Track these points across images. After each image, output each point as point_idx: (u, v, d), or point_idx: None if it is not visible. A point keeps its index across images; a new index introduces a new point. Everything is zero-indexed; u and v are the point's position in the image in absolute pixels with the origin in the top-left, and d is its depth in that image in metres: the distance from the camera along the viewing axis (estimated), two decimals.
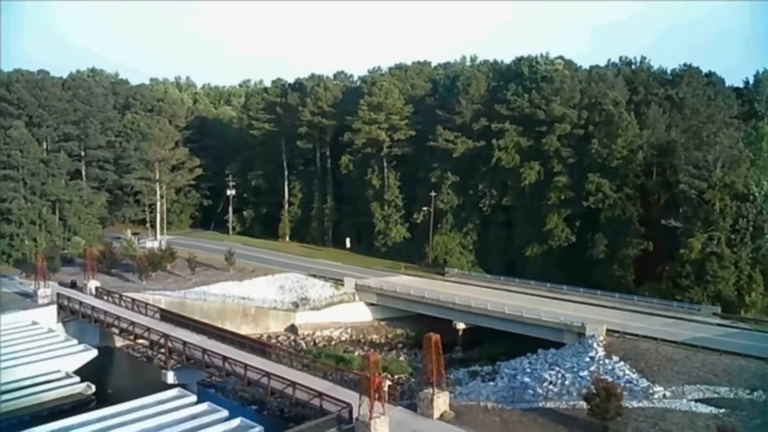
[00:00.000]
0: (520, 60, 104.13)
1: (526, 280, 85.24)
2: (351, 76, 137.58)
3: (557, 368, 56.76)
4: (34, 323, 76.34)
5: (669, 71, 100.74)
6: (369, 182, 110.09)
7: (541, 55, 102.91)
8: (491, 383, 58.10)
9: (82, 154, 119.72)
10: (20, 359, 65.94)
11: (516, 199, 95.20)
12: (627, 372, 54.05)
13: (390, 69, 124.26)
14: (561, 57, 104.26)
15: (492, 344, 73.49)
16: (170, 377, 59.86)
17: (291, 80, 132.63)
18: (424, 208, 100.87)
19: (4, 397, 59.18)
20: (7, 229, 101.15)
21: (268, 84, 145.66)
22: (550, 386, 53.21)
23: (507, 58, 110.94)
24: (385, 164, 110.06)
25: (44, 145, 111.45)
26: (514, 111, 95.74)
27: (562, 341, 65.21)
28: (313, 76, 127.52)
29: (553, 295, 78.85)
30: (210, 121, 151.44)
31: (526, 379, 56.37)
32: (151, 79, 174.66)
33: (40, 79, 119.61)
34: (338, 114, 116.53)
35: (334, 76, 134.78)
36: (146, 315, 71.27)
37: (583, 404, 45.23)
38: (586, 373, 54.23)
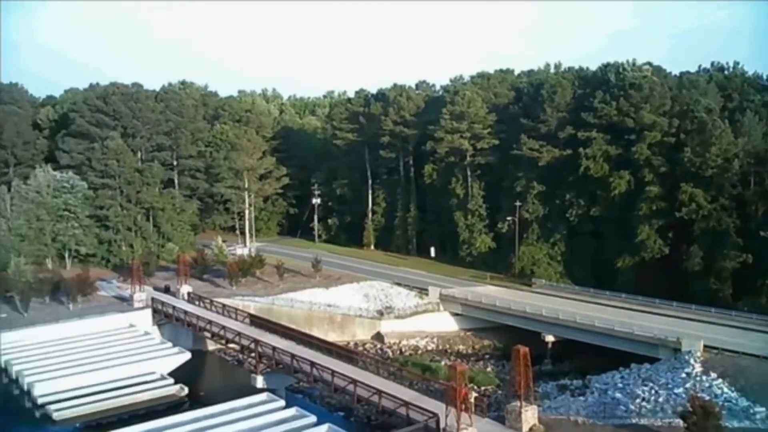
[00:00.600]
0: (606, 67, 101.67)
1: (617, 293, 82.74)
2: (433, 85, 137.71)
3: (651, 384, 55.03)
4: (131, 326, 79.55)
5: (766, 77, 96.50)
6: (452, 191, 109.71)
7: (628, 62, 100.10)
8: (581, 398, 56.79)
9: (175, 163, 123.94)
10: (118, 360, 68.91)
11: (605, 209, 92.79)
12: (725, 390, 51.89)
13: (472, 78, 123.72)
14: (649, 63, 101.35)
15: (582, 358, 71.60)
16: (260, 381, 61.19)
17: (374, 90, 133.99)
18: (509, 218, 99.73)
19: (104, 395, 61.90)
20: (106, 235, 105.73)
21: (351, 94, 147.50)
22: (643, 403, 51.67)
23: (591, 65, 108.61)
24: (468, 173, 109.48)
25: (139, 155, 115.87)
26: (602, 119, 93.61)
27: (656, 356, 63.08)
28: (395, 86, 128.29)
29: (645, 309, 76.11)
30: (295, 131, 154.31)
31: (618, 395, 54.86)
32: (239, 91, 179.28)
33: (135, 92, 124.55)
34: (421, 123, 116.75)
35: (416, 85, 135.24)
36: (236, 320, 73.07)
37: (679, 422, 43.63)
38: (681, 390, 52.40)
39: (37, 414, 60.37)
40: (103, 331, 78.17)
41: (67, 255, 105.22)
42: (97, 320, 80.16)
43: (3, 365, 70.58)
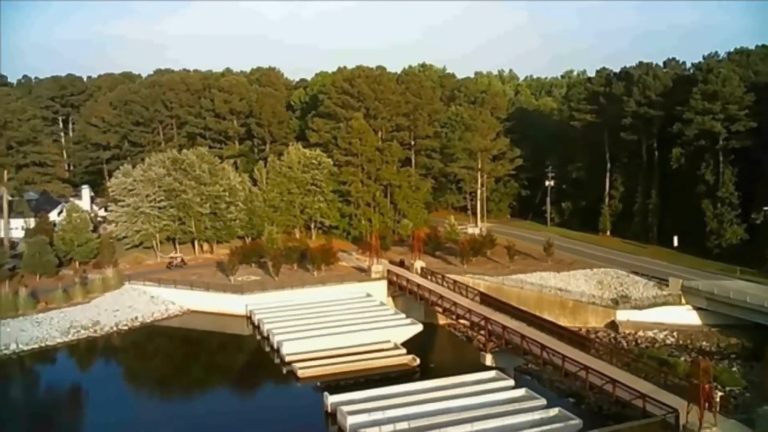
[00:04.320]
0: None
1: None
2: (683, 63, 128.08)
3: None
4: (368, 296, 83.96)
5: None
6: (700, 177, 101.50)
7: None
8: None
9: (412, 143, 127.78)
10: (356, 326, 73.01)
11: None
12: None
13: (729, 54, 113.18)
14: None
15: None
16: (488, 359, 61.50)
17: (616, 69, 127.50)
18: (766, 208, 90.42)
19: (343, 358, 65.98)
20: (347, 209, 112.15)
21: (591, 74, 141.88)
22: None
23: None
24: (720, 158, 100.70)
25: (379, 135, 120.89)
26: None
27: None
28: (640, 64, 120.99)
29: None
30: (530, 112, 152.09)
31: None
32: (476, 73, 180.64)
33: (378, 75, 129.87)
34: (667, 104, 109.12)
35: (664, 63, 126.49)
36: (467, 297, 74.08)
37: None
38: None
39: (284, 370, 66.00)
40: (343, 298, 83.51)
41: (312, 226, 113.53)
42: (338, 288, 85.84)
43: (257, 323, 78.10)
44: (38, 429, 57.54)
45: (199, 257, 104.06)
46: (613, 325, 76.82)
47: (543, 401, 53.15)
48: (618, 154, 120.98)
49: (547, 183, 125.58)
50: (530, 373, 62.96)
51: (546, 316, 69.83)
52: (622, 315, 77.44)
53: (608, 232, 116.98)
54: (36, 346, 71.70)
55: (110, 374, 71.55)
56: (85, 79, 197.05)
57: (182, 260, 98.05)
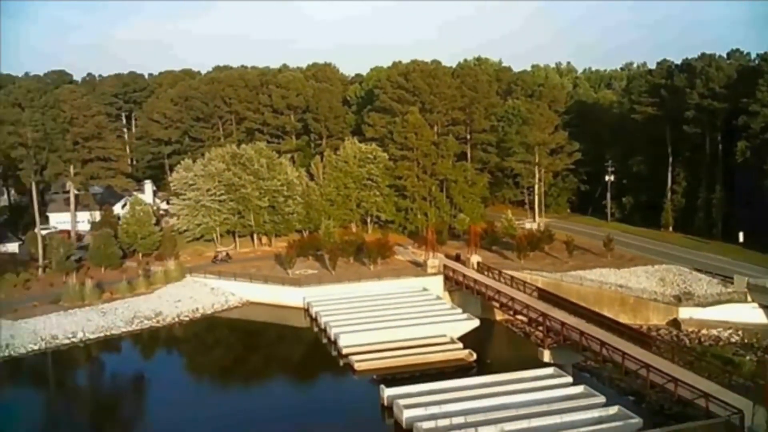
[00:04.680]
0: None
1: None
2: (748, 54, 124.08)
3: None
4: (425, 290, 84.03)
5: None
6: None
7: None
8: None
9: (468, 137, 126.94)
10: (413, 320, 73.17)
11: None
12: None
13: None
14: None
15: None
16: (546, 355, 60.75)
17: (678, 61, 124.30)
18: None
19: (399, 352, 66.21)
20: (403, 203, 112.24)
21: (652, 66, 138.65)
22: None
23: None
24: None
25: (435, 129, 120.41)
26: None
27: None
28: (703, 55, 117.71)
29: None
30: (589, 105, 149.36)
31: None
32: (533, 66, 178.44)
33: (433, 69, 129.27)
34: (732, 96, 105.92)
35: (728, 54, 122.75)
36: (524, 292, 73.46)
37: None
38: None
39: (341, 363, 66.56)
40: (399, 292, 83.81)
41: (368, 220, 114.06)
42: (395, 282, 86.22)
43: (314, 315, 78.97)
44: (103, 415, 59.44)
45: (257, 250, 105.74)
46: (675, 323, 75.07)
47: (602, 399, 52.42)
48: (680, 148, 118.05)
49: (606, 177, 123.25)
50: (589, 371, 62.01)
51: (606, 312, 68.72)
52: (685, 312, 75.62)
53: (671, 228, 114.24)
54: (101, 334, 74.04)
55: (172, 364, 73.55)
56: (146, 76, 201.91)
57: (227, 254, 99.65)
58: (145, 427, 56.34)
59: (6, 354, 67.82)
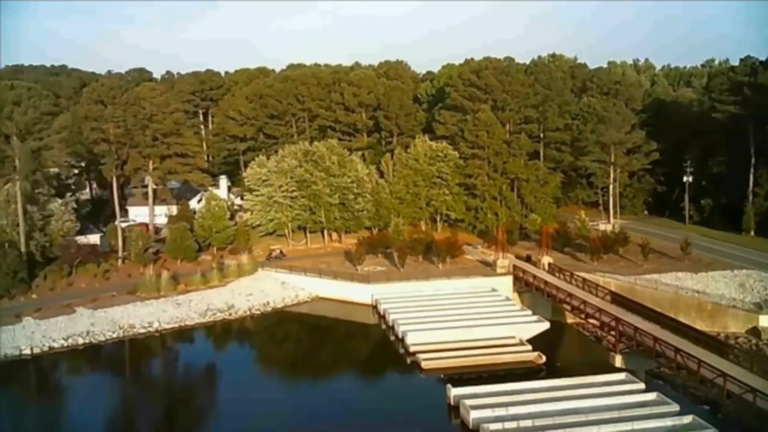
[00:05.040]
0: None
1: None
2: None
3: None
4: (493, 290, 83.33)
5: None
6: None
7: None
8: None
9: (541, 135, 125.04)
10: (481, 321, 72.72)
11: None
12: None
13: None
14: None
15: None
16: (618, 361, 59.61)
17: (762, 57, 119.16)
18: None
19: (467, 352, 65.86)
20: (473, 202, 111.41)
21: (735, 62, 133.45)
22: None
23: None
24: None
25: (507, 127, 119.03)
26: None
27: None
28: None
29: None
30: (668, 103, 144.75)
31: None
32: (609, 62, 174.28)
33: (506, 66, 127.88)
34: None
35: None
36: (596, 296, 71.93)
37: None
38: None
39: (408, 360, 66.72)
40: (467, 292, 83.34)
41: (438, 219, 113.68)
42: (463, 282, 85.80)
43: (382, 312, 79.32)
44: (176, 404, 61.25)
45: (327, 246, 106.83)
46: (755, 332, 72.11)
47: (676, 407, 50.94)
48: (764, 148, 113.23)
49: (685, 178, 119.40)
50: (662, 378, 60.25)
51: (681, 318, 66.59)
52: (766, 320, 72.66)
53: (752, 232, 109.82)
54: (176, 325, 76.29)
55: (243, 356, 75.20)
56: (222, 74, 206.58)
57: (281, 252, 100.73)
58: (216, 418, 57.70)
59: (87, 341, 70.66)
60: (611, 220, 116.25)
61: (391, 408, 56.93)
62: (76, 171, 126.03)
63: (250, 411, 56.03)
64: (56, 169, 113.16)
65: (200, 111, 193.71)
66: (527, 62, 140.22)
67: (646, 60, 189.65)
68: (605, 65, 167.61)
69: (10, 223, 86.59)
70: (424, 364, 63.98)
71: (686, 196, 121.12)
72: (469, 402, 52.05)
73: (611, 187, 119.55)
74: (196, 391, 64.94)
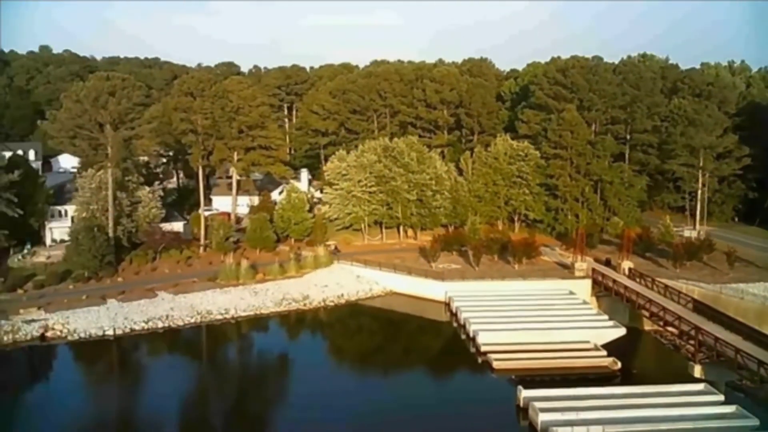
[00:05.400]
0: None
1: None
2: None
3: None
4: (570, 293, 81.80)
5: None
6: None
7: None
8: None
9: (627, 137, 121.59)
10: (556, 324, 71.53)
11: None
12: None
13: None
14: None
15: None
16: (697, 371, 57.67)
17: None
18: None
19: (540, 354, 64.91)
20: (553, 203, 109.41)
21: None
22: None
23: None
24: None
25: (592, 128, 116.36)
26: None
27: None
28: None
29: None
30: (763, 106, 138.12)
31: None
32: (702, 63, 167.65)
33: (594, 65, 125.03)
34: None
35: None
36: (678, 303, 69.60)
37: None
38: None
39: (479, 360, 66.29)
40: (543, 294, 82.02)
41: (516, 218, 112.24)
42: (539, 283, 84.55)
43: (454, 310, 79.00)
44: (248, 390, 62.71)
45: (402, 242, 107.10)
46: None
47: (755, 421, 48.89)
48: None
49: None
50: (744, 390, 57.90)
51: (767, 331, 63.67)
52: None
53: None
54: (252, 313, 78.09)
55: (315, 346, 76.27)
56: (308, 69, 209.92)
57: (336, 248, 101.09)
58: (285, 406, 58.88)
59: (166, 325, 73.24)
60: (697, 226, 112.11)
61: (459, 406, 56.72)
62: (164, 160, 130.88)
63: (319, 401, 56.86)
64: (146, 158, 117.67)
65: (285, 105, 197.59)
66: (616, 62, 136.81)
67: (742, 61, 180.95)
68: (698, 66, 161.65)
69: (100, 209, 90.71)
70: (495, 364, 63.47)
71: None
72: (538, 404, 51.37)
73: (699, 192, 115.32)
74: (267, 378, 66.35)
